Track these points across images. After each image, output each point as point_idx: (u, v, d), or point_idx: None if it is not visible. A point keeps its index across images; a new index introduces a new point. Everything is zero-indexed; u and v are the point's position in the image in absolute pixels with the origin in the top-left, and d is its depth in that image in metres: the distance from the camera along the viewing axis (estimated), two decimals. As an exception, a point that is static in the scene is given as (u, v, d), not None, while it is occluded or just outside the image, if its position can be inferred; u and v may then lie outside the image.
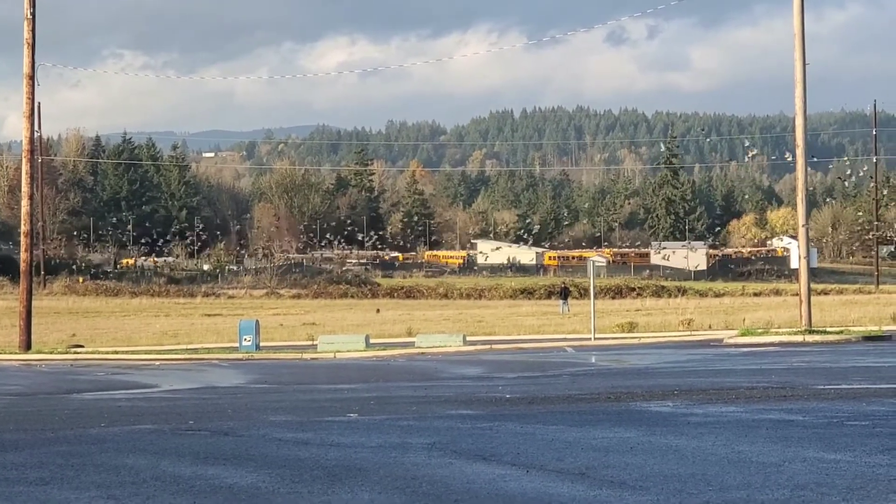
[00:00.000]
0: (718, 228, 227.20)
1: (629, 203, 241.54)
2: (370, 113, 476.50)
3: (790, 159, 56.22)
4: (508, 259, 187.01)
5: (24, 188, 54.42)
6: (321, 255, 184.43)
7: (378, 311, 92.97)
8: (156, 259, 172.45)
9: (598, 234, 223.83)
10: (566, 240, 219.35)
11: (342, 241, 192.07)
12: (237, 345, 50.89)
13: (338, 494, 12.43)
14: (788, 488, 12.15)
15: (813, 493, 11.83)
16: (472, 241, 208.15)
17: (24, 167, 54.94)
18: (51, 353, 50.89)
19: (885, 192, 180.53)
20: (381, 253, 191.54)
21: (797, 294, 54.03)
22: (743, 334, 50.42)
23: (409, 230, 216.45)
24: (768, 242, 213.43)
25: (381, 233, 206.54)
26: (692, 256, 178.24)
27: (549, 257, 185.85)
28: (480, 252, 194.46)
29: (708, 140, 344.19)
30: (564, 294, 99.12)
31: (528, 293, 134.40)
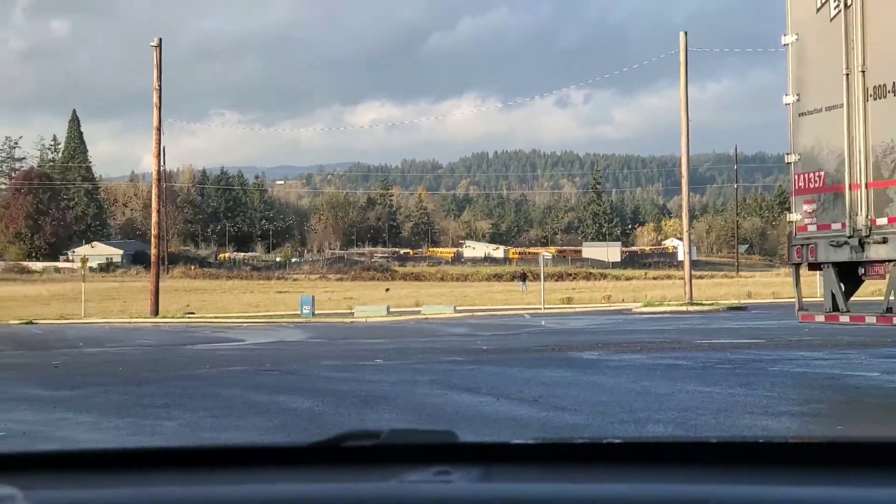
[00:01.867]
0: (629, 233, 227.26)
1: (567, 216, 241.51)
2: (391, 153, 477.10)
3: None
4: (485, 254, 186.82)
5: (154, 205, 54.61)
6: (356, 251, 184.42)
7: (387, 290, 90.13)
8: (243, 253, 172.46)
9: (546, 236, 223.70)
10: (524, 241, 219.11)
11: (371, 241, 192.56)
12: (299, 312, 50.93)
13: (368, 415, 12.43)
14: (677, 410, 12.15)
15: (693, 413, 11.84)
16: (460, 241, 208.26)
17: (154, 191, 55.18)
18: (172, 318, 50.95)
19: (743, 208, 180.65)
20: (397, 250, 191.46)
21: (683, 278, 54.08)
22: (645, 305, 50.49)
23: (416, 234, 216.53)
24: (663, 243, 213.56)
25: (397, 236, 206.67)
26: (610, 252, 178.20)
27: (513, 252, 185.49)
28: (466, 249, 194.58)
29: (622, 171, 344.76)
30: (523, 277, 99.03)
31: (498, 277, 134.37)
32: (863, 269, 15.30)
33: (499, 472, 1.64)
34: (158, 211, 55.08)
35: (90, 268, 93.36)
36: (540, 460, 1.72)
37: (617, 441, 1.70)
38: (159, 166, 55.27)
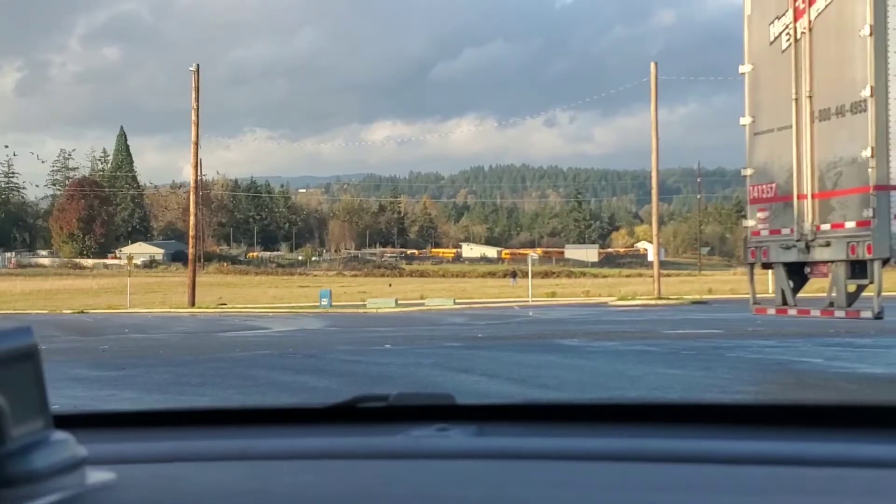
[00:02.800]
0: (605, 236, 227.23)
1: (552, 221, 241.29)
2: (401, 166, 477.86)
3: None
4: (481, 254, 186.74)
5: (192, 209, 54.64)
6: (369, 251, 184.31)
7: (390, 285, 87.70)
8: (270, 252, 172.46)
9: (534, 239, 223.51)
10: (515, 243, 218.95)
11: (381, 243, 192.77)
12: (318, 304, 50.91)
13: (378, 392, 12.45)
14: (647, 389, 12.18)
15: (661, 392, 11.86)
16: (459, 243, 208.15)
17: (192, 197, 55.17)
18: (206, 308, 50.92)
19: (705, 216, 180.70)
20: (404, 250, 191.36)
21: (653, 276, 54.09)
22: (620, 299, 50.47)
23: (421, 237, 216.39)
24: (635, 245, 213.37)
25: (405, 238, 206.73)
26: (589, 253, 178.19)
27: (505, 253, 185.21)
28: (464, 250, 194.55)
29: (603, 183, 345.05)
30: (513, 275, 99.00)
31: (492, 274, 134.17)
32: (809, 269, 15.35)
33: (491, 429, 1.66)
34: (196, 215, 55.11)
35: (135, 264, 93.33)
36: (527, 418, 1.75)
37: (595, 402, 1.73)
38: (197, 176, 55.34)
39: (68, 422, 1.74)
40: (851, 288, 14.44)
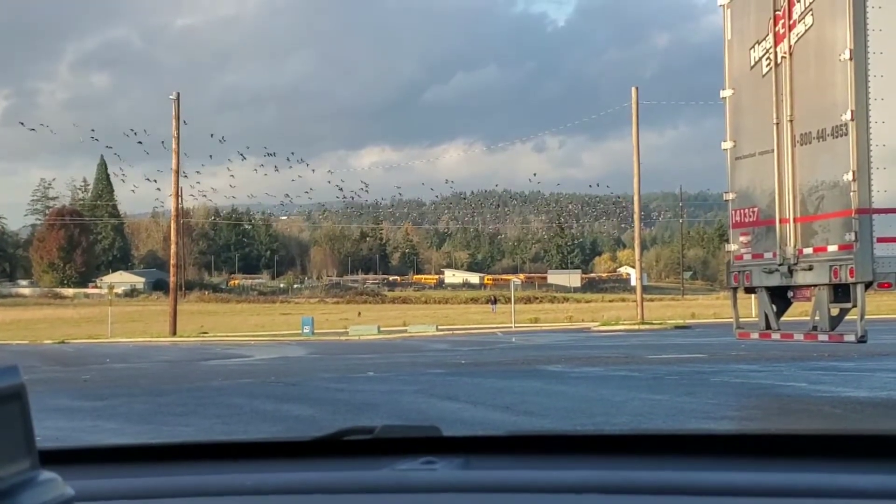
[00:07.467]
0: (588, 261, 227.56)
1: (534, 247, 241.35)
2: (384, 192, 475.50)
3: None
4: (463, 280, 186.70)
5: (173, 237, 54.53)
6: (351, 278, 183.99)
7: (359, 314, 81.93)
8: (251, 280, 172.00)
9: (516, 265, 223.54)
10: (497, 269, 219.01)
11: (363, 270, 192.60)
12: (300, 331, 50.72)
13: (361, 420, 12.39)
14: (631, 415, 12.17)
15: (646, 418, 11.85)
16: (442, 269, 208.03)
17: (173, 226, 55.11)
18: (188, 337, 50.70)
19: (687, 240, 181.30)
20: (386, 277, 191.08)
21: (635, 300, 54.13)
22: (603, 324, 50.46)
23: (403, 263, 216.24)
24: (618, 270, 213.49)
25: (387, 265, 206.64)
26: (572, 278, 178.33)
27: (487, 279, 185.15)
28: (447, 276, 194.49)
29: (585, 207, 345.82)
30: (493, 301, 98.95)
31: (475, 300, 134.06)
32: (792, 293, 15.40)
33: (478, 461, 1.66)
34: (177, 243, 54.98)
35: (116, 293, 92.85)
36: (514, 450, 1.75)
37: (581, 433, 1.73)
38: (178, 204, 55.27)
39: (53, 458, 1.73)
40: (834, 312, 14.48)
